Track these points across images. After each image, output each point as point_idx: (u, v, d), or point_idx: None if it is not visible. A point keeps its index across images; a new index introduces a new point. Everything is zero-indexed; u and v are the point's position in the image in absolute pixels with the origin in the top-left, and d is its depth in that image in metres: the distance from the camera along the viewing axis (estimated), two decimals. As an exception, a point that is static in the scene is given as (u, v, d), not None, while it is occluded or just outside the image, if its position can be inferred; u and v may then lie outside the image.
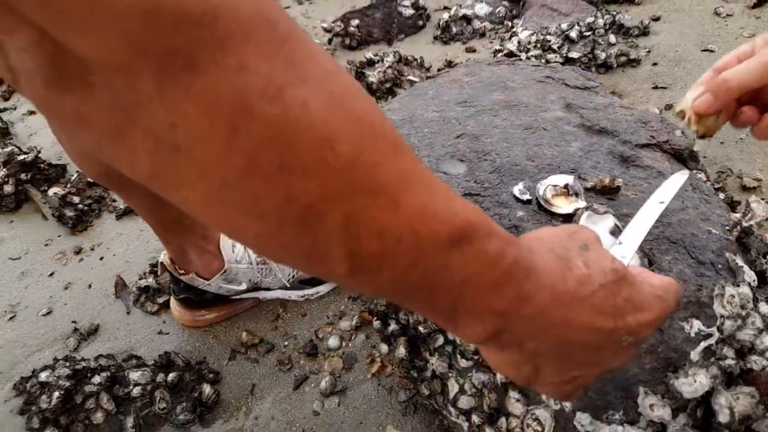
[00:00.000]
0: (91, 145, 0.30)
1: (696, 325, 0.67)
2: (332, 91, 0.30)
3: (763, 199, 0.87)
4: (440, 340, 0.90)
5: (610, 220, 0.76)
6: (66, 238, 1.59)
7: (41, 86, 0.28)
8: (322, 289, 1.24)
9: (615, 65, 1.73)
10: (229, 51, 0.26)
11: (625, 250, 0.58)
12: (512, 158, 0.95)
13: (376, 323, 1.09)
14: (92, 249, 1.53)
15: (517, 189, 0.86)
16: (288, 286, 1.21)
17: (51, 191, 1.64)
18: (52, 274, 1.47)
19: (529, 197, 0.84)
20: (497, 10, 2.13)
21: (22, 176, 1.70)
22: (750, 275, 0.74)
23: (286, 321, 1.20)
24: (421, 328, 0.95)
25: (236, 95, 0.27)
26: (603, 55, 1.72)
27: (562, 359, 0.43)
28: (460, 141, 1.05)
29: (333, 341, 1.13)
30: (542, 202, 0.83)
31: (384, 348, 1.07)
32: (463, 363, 0.83)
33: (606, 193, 0.84)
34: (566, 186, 0.82)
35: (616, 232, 0.75)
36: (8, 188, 1.70)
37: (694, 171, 0.96)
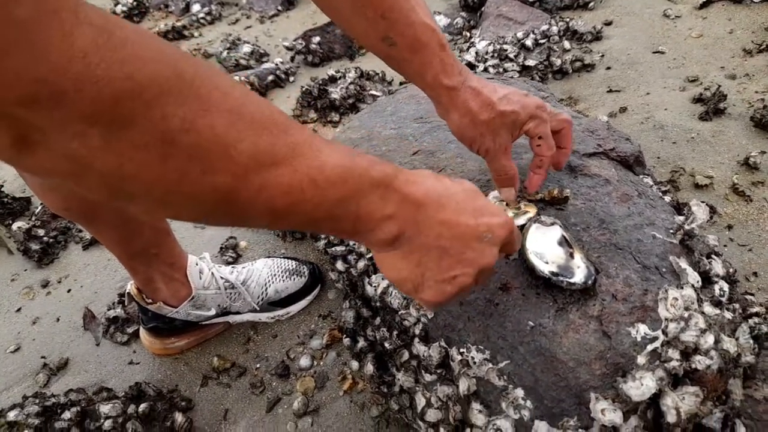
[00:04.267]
0: (52, 184, 0.39)
1: (642, 329, 0.70)
2: (230, 108, 0.41)
3: (703, 202, 0.90)
4: (405, 356, 0.92)
5: (557, 231, 0.78)
6: (32, 271, 1.57)
7: (8, 150, 0.35)
8: (293, 309, 1.25)
9: (570, 71, 1.77)
10: (154, 106, 0.36)
11: None
12: (466, 173, 0.98)
13: (346, 340, 1.11)
14: (59, 281, 1.52)
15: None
16: (257, 308, 1.21)
17: (15, 225, 1.62)
18: (19, 310, 1.46)
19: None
20: (455, 21, 2.17)
21: (-15, 212, 1.68)
22: (694, 277, 0.77)
23: (257, 343, 1.20)
24: (386, 344, 0.97)
25: (162, 135, 0.37)
26: (558, 62, 1.76)
27: (441, 255, 0.55)
28: (416, 158, 1.07)
29: (304, 361, 1.13)
30: None
31: (354, 365, 1.09)
32: (428, 377, 0.85)
33: (555, 203, 0.87)
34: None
35: (563, 242, 0.77)
36: (-29, 224, 1.67)
37: (641, 176, 0.99)
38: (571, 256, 0.76)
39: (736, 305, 0.80)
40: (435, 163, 1.04)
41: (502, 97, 0.74)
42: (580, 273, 0.74)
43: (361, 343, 1.06)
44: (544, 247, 0.76)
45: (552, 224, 0.79)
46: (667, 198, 0.96)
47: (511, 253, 0.65)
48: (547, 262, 0.75)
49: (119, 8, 2.95)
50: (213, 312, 1.17)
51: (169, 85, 0.36)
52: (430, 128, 1.16)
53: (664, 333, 0.69)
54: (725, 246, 1.17)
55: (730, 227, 1.21)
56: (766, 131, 1.41)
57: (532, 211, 0.84)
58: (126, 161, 0.37)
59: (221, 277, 1.17)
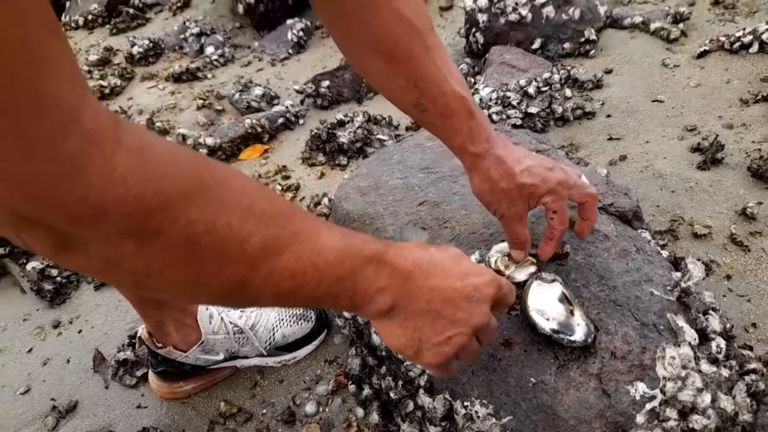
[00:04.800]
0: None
1: (641, 388, 0.72)
2: (244, 206, 0.46)
3: (699, 260, 0.93)
4: (410, 406, 0.94)
5: (558, 288, 0.81)
6: (44, 311, 1.60)
7: (48, 252, 0.40)
8: (300, 354, 1.27)
9: (572, 118, 1.82)
10: (180, 216, 0.42)
11: None
12: (470, 226, 1.01)
13: (351, 387, 1.12)
14: (71, 322, 1.55)
15: (474, 258, 0.92)
16: (265, 353, 1.23)
17: (29, 265, 1.66)
18: (30, 350, 1.48)
19: (485, 265, 0.90)
20: (460, 68, 2.24)
21: (0, 251, 1.72)
22: (691, 334, 0.79)
23: (263, 388, 1.22)
24: (392, 394, 0.98)
25: (187, 239, 0.42)
26: (560, 109, 1.81)
27: (434, 319, 0.59)
28: (422, 209, 1.11)
29: (310, 407, 1.15)
30: (495, 272, 0.89)
31: (360, 412, 1.10)
32: (432, 429, 0.87)
33: (556, 259, 0.90)
34: (508, 253, 0.88)
35: (563, 299, 0.80)
36: (-15, 263, 1.71)
37: (639, 230, 1.02)
38: (572, 313, 0.78)
39: (733, 362, 0.82)
40: (440, 214, 1.08)
41: (525, 169, 0.76)
42: (580, 331, 0.76)
43: (367, 390, 1.08)
44: (545, 304, 0.79)
45: (553, 281, 0.82)
46: (665, 252, 0.98)
47: (506, 307, 0.68)
48: (548, 319, 0.78)
49: (135, 49, 3.05)
50: (221, 356, 1.20)
51: (193, 195, 0.42)
52: (435, 179, 1.20)
53: (662, 392, 0.71)
54: (724, 296, 1.19)
55: (728, 277, 1.23)
56: (763, 181, 1.44)
57: (533, 266, 0.87)
58: (154, 262, 0.42)
59: (230, 322, 1.20)
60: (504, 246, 0.91)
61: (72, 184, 0.34)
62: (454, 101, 0.74)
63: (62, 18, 3.89)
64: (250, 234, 0.46)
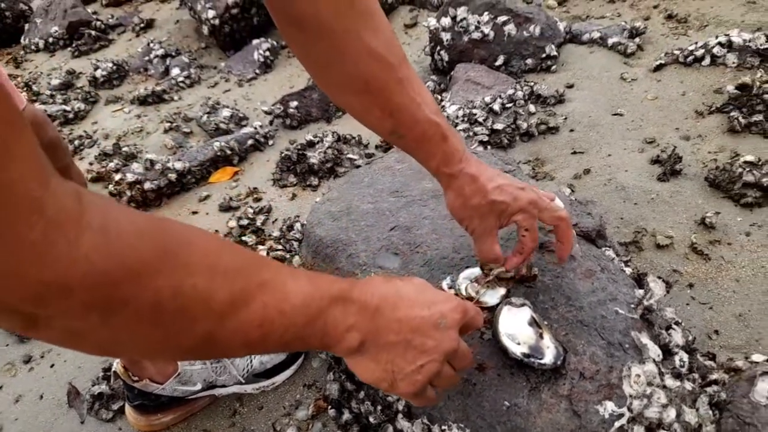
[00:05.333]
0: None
1: (609, 407, 0.75)
2: (209, 264, 0.47)
3: (659, 277, 0.97)
4: (390, 430, 0.95)
5: (527, 312, 0.84)
6: (14, 346, 1.57)
7: (19, 330, 0.41)
8: (278, 379, 1.27)
9: (536, 133, 1.87)
10: (146, 286, 0.42)
11: None
12: (441, 250, 1.03)
13: (331, 412, 1.13)
14: (42, 356, 1.51)
15: (445, 284, 0.94)
16: (243, 381, 1.23)
17: (-5, 300, 1.62)
18: (0, 387, 1.45)
19: (455, 291, 0.92)
20: (426, 85, 2.28)
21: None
22: (654, 351, 0.83)
23: (243, 416, 1.22)
24: (371, 419, 1.00)
25: (153, 306, 0.43)
26: (525, 125, 1.86)
27: (405, 349, 0.61)
28: (393, 234, 1.13)
29: (290, 434, 1.15)
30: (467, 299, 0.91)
31: (340, 437, 1.11)
32: (411, 454, 0.88)
33: (525, 281, 0.93)
34: (476, 279, 0.91)
35: (533, 323, 0.83)
36: (-51, 299, 1.66)
37: (603, 248, 1.06)
38: (541, 336, 0.81)
39: (696, 374, 0.86)
40: (412, 239, 1.10)
41: (497, 187, 0.80)
42: (549, 354, 0.79)
43: (347, 415, 1.09)
44: (516, 328, 0.82)
45: (522, 305, 0.85)
46: (629, 269, 1.02)
47: (475, 330, 0.71)
48: (518, 343, 0.80)
49: (99, 72, 3.01)
50: (199, 387, 1.19)
51: (158, 263, 0.42)
52: (405, 203, 1.22)
53: (630, 410, 0.75)
54: (687, 305, 1.24)
55: (691, 286, 1.29)
56: (720, 191, 1.51)
57: (503, 289, 0.90)
58: (121, 332, 0.43)
59: (206, 352, 1.19)
60: (471, 272, 0.94)
61: (36, 269, 0.35)
62: (428, 128, 0.77)
63: (21, 41, 3.81)
64: (216, 291, 0.47)
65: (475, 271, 0.94)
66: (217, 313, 0.47)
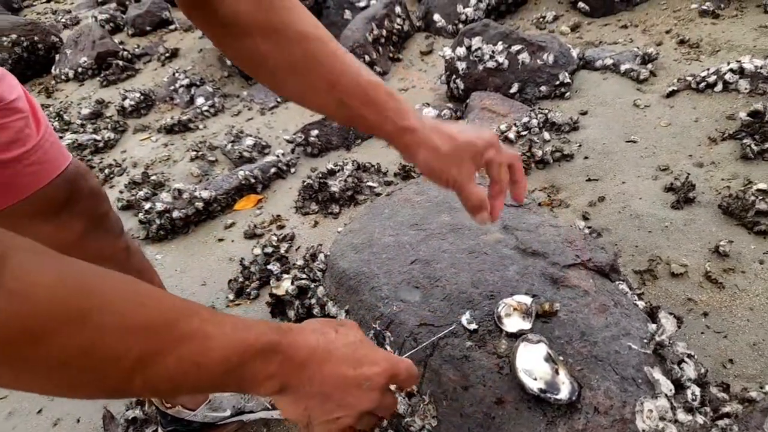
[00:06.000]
0: None
1: (622, 441, 0.79)
2: (123, 326, 0.48)
3: (671, 313, 1.00)
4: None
5: (543, 349, 0.88)
6: (51, 372, 1.64)
7: None
8: (303, 406, 1.32)
9: (551, 161, 1.92)
10: (50, 346, 0.44)
11: None
12: (460, 285, 1.08)
13: (355, 439, 1.18)
14: (78, 382, 1.58)
15: (465, 319, 0.99)
16: (270, 407, 1.29)
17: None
18: (40, 411, 1.52)
19: (476, 326, 0.97)
20: (443, 113, 2.34)
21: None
22: (667, 386, 0.86)
23: (270, 441, 1.27)
24: (394, 447, 1.04)
25: (59, 363, 0.45)
26: (540, 153, 1.91)
27: (324, 401, 0.63)
28: (414, 267, 1.18)
29: (316, 461, 1.20)
30: (496, 318, 0.97)
31: (364, 464, 1.15)
32: (434, 483, 0.93)
33: (544, 316, 0.97)
34: (528, 306, 0.97)
35: (549, 359, 0.87)
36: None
37: (617, 282, 1.10)
38: (557, 372, 0.85)
39: (708, 408, 0.89)
40: (431, 272, 1.15)
41: (461, 131, 0.80)
42: (565, 389, 0.83)
43: (370, 443, 1.13)
44: (532, 364, 0.86)
45: (538, 342, 0.89)
46: (641, 303, 1.06)
47: (408, 386, 0.74)
48: (535, 379, 0.85)
49: (127, 102, 3.13)
50: (228, 413, 1.25)
51: (68, 326, 0.45)
52: (425, 236, 1.27)
53: (642, 444, 0.78)
54: (702, 333, 1.27)
55: (705, 314, 1.32)
56: (733, 218, 1.54)
57: (527, 324, 0.95)
58: (30, 383, 0.47)
59: (236, 380, 1.25)
60: (510, 300, 0.99)
61: None
62: (370, 89, 0.77)
63: (52, 71, 3.97)
64: (127, 350, 0.48)
65: (526, 299, 1.00)
66: (126, 372, 0.48)
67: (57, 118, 3.22)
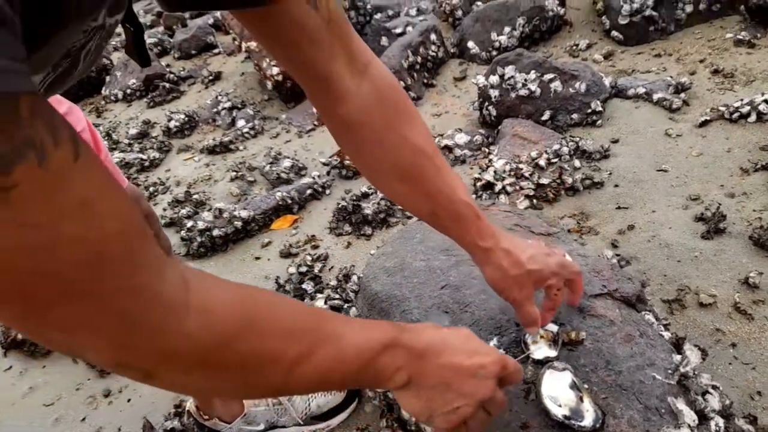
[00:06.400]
0: None
1: (645, 469, 0.82)
2: (282, 330, 0.58)
3: (696, 345, 1.03)
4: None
5: (568, 376, 0.92)
6: (95, 381, 1.73)
7: (138, 380, 0.53)
8: (333, 422, 1.37)
9: (581, 188, 1.95)
10: (234, 351, 0.54)
11: None
12: (488, 311, 1.13)
13: (384, 456, 1.22)
14: (120, 391, 1.67)
15: (493, 344, 1.03)
16: (301, 423, 1.34)
17: (83, 337, 1.80)
18: (84, 419, 1.61)
19: (503, 352, 1.01)
20: (474, 138, 2.39)
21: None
22: (690, 416, 0.89)
23: (302, 456, 1.32)
24: (422, 466, 1.08)
25: (239, 364, 0.55)
26: (570, 180, 1.94)
27: (444, 391, 0.70)
28: (444, 292, 1.23)
29: (346, 476, 1.25)
30: (523, 345, 1.01)
31: (392, 482, 1.19)
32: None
33: (570, 344, 1.01)
34: (555, 334, 1.01)
35: (573, 386, 0.90)
36: (42, 335, 1.86)
37: (643, 312, 1.13)
38: (581, 399, 0.89)
39: (732, 440, 0.91)
40: (461, 298, 1.20)
41: (530, 258, 0.90)
42: (589, 417, 0.86)
43: (398, 459, 1.18)
44: (557, 391, 0.90)
45: (563, 369, 0.93)
46: (667, 334, 1.08)
47: (513, 384, 0.79)
48: (560, 405, 0.88)
49: (172, 123, 3.28)
50: (262, 427, 1.31)
51: (245, 334, 0.54)
52: (456, 262, 1.32)
53: (664, 473, 0.81)
54: (730, 364, 1.28)
55: (734, 345, 1.32)
56: (765, 250, 1.54)
57: (554, 351, 0.99)
58: (214, 383, 0.57)
59: (270, 395, 1.32)
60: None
61: (155, 343, 0.48)
62: (462, 208, 0.87)
63: (102, 91, 4.19)
64: (287, 351, 0.57)
65: (553, 327, 1.04)
66: (287, 368, 0.58)
67: (106, 137, 3.40)
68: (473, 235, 0.89)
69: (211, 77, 3.81)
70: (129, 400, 1.63)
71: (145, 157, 3.03)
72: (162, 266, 0.49)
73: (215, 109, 3.35)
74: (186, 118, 3.30)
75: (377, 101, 0.81)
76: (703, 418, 0.92)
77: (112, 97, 4.06)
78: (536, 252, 0.91)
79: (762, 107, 1.99)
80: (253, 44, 3.28)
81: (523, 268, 0.89)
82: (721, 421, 0.92)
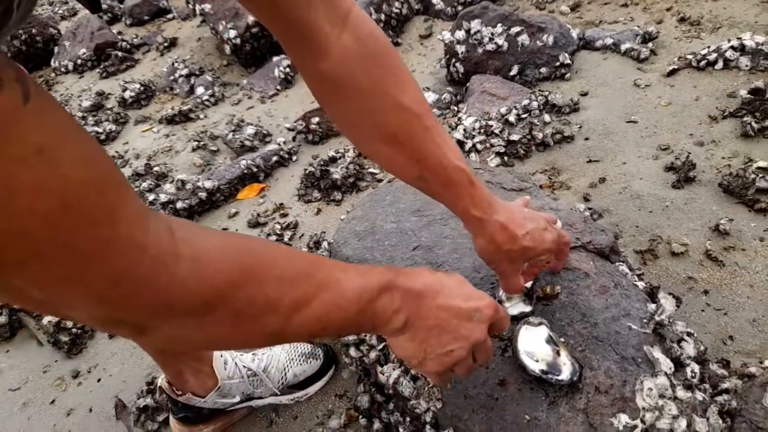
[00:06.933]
0: None
1: (623, 419, 0.81)
2: (277, 275, 0.57)
3: (670, 293, 1.02)
4: (419, 441, 1.02)
5: (544, 331, 0.90)
6: (63, 362, 1.67)
7: (129, 336, 0.55)
8: (311, 390, 1.35)
9: (552, 143, 1.92)
10: (228, 298, 0.53)
11: None
12: (462, 270, 1.10)
13: (362, 421, 1.20)
14: (89, 371, 1.62)
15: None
16: (278, 393, 1.32)
17: (45, 318, 1.73)
18: (53, 402, 1.55)
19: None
20: (443, 97, 2.34)
21: (15, 305, 1.79)
22: (666, 364, 0.88)
23: (279, 425, 1.30)
24: (401, 429, 1.07)
25: (234, 312, 0.54)
26: (540, 135, 1.91)
27: (439, 333, 0.69)
28: (416, 253, 1.20)
29: (324, 444, 1.23)
30: (498, 302, 0.99)
31: (372, 446, 1.18)
32: (440, 463, 0.95)
33: (545, 298, 0.99)
34: (529, 289, 0.99)
35: (550, 341, 0.89)
36: (1, 318, 1.78)
37: (617, 263, 1.11)
38: (558, 353, 0.87)
39: (707, 385, 0.91)
40: (433, 258, 1.17)
41: (526, 233, 0.85)
42: (566, 370, 0.85)
43: (377, 424, 1.16)
44: (534, 346, 0.88)
45: (539, 324, 0.91)
46: (641, 284, 1.08)
47: (500, 331, 0.78)
48: (537, 361, 0.87)
49: (127, 93, 3.13)
50: (237, 399, 1.28)
51: (238, 281, 0.53)
52: (427, 222, 1.29)
53: (642, 421, 0.80)
54: (702, 311, 1.29)
55: (706, 292, 1.33)
56: (734, 197, 1.54)
57: (528, 307, 0.97)
58: (209, 332, 0.54)
59: (244, 366, 1.28)
60: None
61: (145, 295, 0.47)
62: (455, 173, 0.81)
63: (51, 63, 3.97)
64: (283, 297, 0.56)
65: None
66: (284, 315, 0.57)
67: (58, 111, 3.22)
68: (466, 202, 0.84)
69: (165, 44, 3.63)
70: (99, 380, 1.58)
71: (100, 130, 2.88)
72: (144, 217, 0.46)
73: (172, 77, 3.20)
74: (142, 88, 3.15)
75: (360, 54, 0.74)
76: (679, 365, 0.92)
77: (62, 69, 3.84)
78: (534, 227, 0.87)
79: (729, 54, 1.98)
80: (207, 6, 3.12)
81: (518, 244, 0.85)
82: (696, 367, 0.92)
